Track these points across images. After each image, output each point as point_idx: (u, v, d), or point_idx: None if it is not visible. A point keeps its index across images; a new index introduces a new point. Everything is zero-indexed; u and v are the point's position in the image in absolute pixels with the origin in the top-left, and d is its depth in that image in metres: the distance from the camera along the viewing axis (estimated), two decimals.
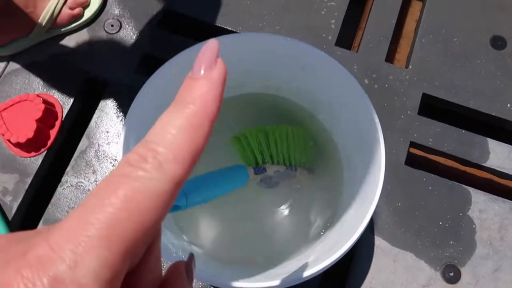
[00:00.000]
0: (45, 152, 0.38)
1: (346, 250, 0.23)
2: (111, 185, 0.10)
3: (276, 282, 0.23)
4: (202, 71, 0.13)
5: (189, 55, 0.27)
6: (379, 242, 0.36)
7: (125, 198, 0.10)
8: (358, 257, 0.35)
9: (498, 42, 0.41)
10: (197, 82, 0.13)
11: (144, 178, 0.11)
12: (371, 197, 0.23)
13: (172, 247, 0.25)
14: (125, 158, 0.11)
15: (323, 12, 0.42)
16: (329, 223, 0.30)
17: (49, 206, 0.37)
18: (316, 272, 0.23)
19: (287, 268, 0.27)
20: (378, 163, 0.23)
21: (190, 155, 0.11)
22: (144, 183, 0.11)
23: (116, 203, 0.10)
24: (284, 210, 0.33)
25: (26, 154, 0.37)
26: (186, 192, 0.25)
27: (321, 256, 0.25)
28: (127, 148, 0.25)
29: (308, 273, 0.23)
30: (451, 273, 0.35)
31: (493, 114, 0.39)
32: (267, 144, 0.31)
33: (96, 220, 0.10)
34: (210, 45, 0.13)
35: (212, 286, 0.34)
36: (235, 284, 0.23)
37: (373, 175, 0.24)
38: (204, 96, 0.12)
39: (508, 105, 0.39)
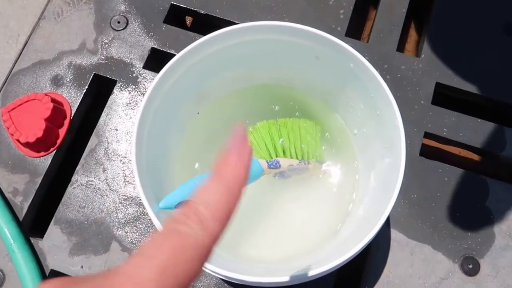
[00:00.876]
0: (54, 152, 0.37)
1: (364, 246, 0.22)
2: (162, 237, 0.13)
3: (292, 277, 0.22)
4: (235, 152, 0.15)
5: (197, 49, 0.27)
6: (395, 235, 0.35)
7: (173, 248, 0.12)
8: (374, 251, 0.35)
9: (511, 29, 0.40)
10: (231, 160, 0.15)
11: (188, 232, 0.13)
12: (390, 190, 0.23)
13: None
14: (171, 215, 0.13)
15: (331, 2, 0.41)
16: (345, 217, 0.29)
17: (60, 205, 0.36)
18: (333, 268, 0.22)
19: (303, 263, 0.27)
20: (397, 154, 0.23)
21: (227, 214, 0.14)
22: (188, 236, 0.13)
23: (166, 252, 0.12)
24: (298, 204, 0.32)
25: (35, 154, 0.37)
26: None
27: (338, 250, 0.24)
28: (139, 146, 0.25)
29: (324, 268, 0.22)
30: (470, 265, 0.34)
31: (509, 102, 0.38)
32: (280, 136, 0.31)
33: (152, 267, 0.12)
34: (239, 132, 0.16)
35: (224, 281, 0.34)
36: (248, 278, 0.22)
37: (392, 167, 0.23)
38: (238, 172, 0.15)
39: None
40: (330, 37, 0.25)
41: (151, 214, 0.23)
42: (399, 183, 0.22)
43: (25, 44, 0.41)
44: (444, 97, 0.40)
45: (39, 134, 0.35)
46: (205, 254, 0.13)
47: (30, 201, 0.36)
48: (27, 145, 0.36)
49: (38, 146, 0.37)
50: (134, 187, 0.36)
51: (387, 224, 0.35)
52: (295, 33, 0.25)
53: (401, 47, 0.46)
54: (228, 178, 0.15)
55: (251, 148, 0.16)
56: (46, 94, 0.37)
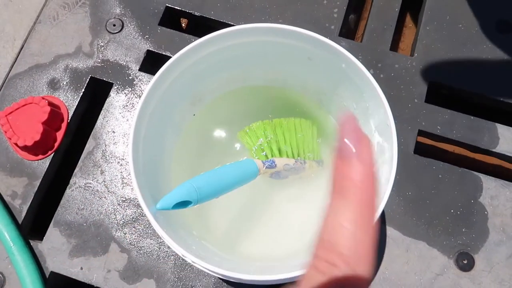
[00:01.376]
0: (52, 155, 0.37)
1: None
2: None
3: (289, 275, 0.23)
4: (353, 149, 0.12)
5: (192, 52, 0.27)
6: (391, 232, 0.35)
7: None
8: None
9: (503, 26, 0.41)
10: (351, 166, 0.12)
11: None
12: (383, 188, 0.23)
13: (188, 242, 0.25)
14: (312, 263, 0.11)
15: (325, 2, 0.42)
16: None
17: (59, 208, 0.36)
18: None
19: (300, 261, 0.27)
20: (390, 153, 0.23)
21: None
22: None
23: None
24: (295, 204, 0.33)
25: (33, 157, 0.37)
26: (196, 187, 0.25)
27: None
28: (136, 148, 0.25)
29: None
30: (465, 261, 0.34)
31: (501, 99, 0.39)
32: (275, 137, 0.31)
33: None
34: (348, 117, 0.13)
35: (223, 280, 0.34)
36: (245, 277, 0.23)
37: (385, 166, 0.23)
38: (365, 182, 0.12)
39: None
40: (321, 38, 0.25)
41: (149, 216, 0.23)
42: (391, 181, 0.22)
43: (21, 48, 0.41)
44: (437, 95, 0.40)
45: (37, 137, 0.36)
46: None
47: (29, 204, 0.37)
48: (25, 148, 0.37)
49: (36, 149, 0.37)
50: (132, 188, 0.37)
51: (382, 222, 0.36)
52: (287, 35, 0.26)
53: (394, 46, 0.46)
54: (359, 199, 0.11)
55: (371, 143, 0.13)
56: (43, 98, 0.37)
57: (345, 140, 0.13)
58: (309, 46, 0.26)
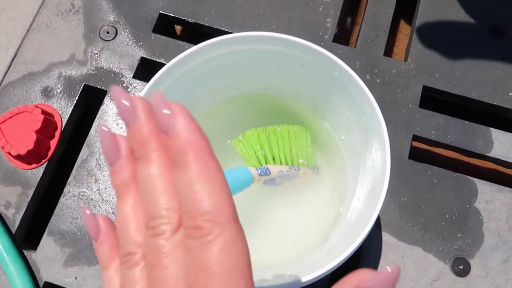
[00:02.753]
0: (46, 163, 0.37)
1: (351, 253, 0.23)
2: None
3: (282, 284, 0.23)
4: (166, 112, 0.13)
5: (185, 60, 0.27)
6: (386, 238, 0.35)
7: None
8: (365, 254, 0.35)
9: (496, 31, 0.41)
10: (171, 120, 0.13)
11: (217, 241, 0.12)
12: (377, 195, 0.23)
13: None
14: (187, 233, 0.12)
15: (319, 9, 0.42)
16: (335, 222, 0.29)
17: (53, 217, 0.36)
18: (322, 275, 0.23)
19: (294, 269, 0.27)
20: (383, 159, 0.23)
21: (225, 194, 0.12)
22: (220, 239, 0.12)
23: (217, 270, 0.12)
24: (289, 210, 0.32)
25: (27, 166, 0.37)
26: None
27: (328, 257, 0.24)
28: None
29: (313, 275, 0.22)
30: (461, 266, 0.34)
31: (495, 103, 0.39)
32: (269, 144, 0.31)
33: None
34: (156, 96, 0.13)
35: None
36: None
37: (378, 173, 0.23)
38: (188, 139, 0.12)
39: (510, 93, 0.39)
40: (313, 46, 0.25)
41: None
42: (385, 189, 0.22)
43: (14, 56, 0.41)
44: (431, 100, 0.40)
45: (30, 146, 0.35)
46: (241, 243, 0.13)
47: (22, 213, 0.36)
48: (18, 157, 0.37)
49: (30, 158, 0.37)
50: None
51: (378, 227, 0.36)
52: (279, 43, 0.26)
53: (389, 51, 0.47)
54: (192, 159, 0.12)
55: (181, 105, 0.13)
56: (36, 106, 0.37)
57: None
58: (301, 53, 0.26)
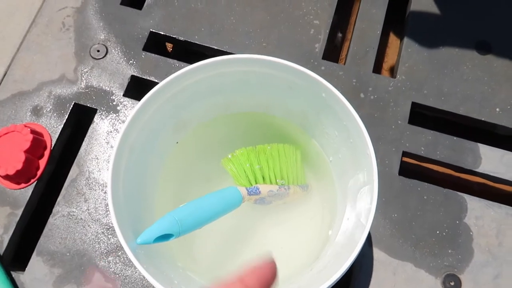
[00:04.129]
0: (35, 183, 0.37)
1: (338, 278, 0.23)
2: None
3: None
4: None
5: (174, 82, 0.27)
6: (378, 255, 0.35)
7: None
8: (357, 271, 0.35)
9: (483, 47, 0.42)
10: None
11: None
12: (366, 214, 0.23)
13: (171, 276, 0.25)
14: None
15: (309, 26, 0.42)
16: (325, 243, 0.29)
17: (41, 237, 0.36)
18: None
19: None
20: (370, 178, 0.23)
21: None
22: None
23: None
24: (279, 230, 0.32)
25: (15, 186, 0.37)
26: (178, 219, 0.25)
27: (317, 279, 0.24)
28: (116, 181, 0.25)
29: None
30: (452, 283, 0.34)
31: (483, 119, 0.39)
32: (259, 163, 0.31)
33: None
34: None
35: None
36: None
37: (366, 195, 0.23)
38: None
39: (497, 109, 0.39)
40: (300, 68, 0.25)
41: (128, 252, 0.23)
42: (372, 213, 0.22)
43: (4, 75, 0.41)
44: (420, 116, 0.41)
45: (19, 166, 0.35)
46: None
47: (11, 233, 0.36)
48: (7, 177, 0.36)
49: (18, 178, 0.36)
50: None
51: (369, 244, 0.36)
52: (268, 65, 0.26)
53: (378, 67, 0.47)
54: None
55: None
56: (25, 125, 0.37)
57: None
58: (289, 75, 0.26)
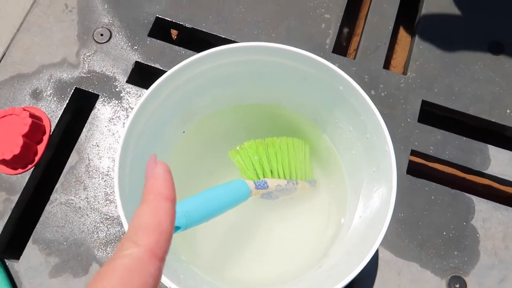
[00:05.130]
0: (32, 169, 0.36)
1: (352, 278, 0.22)
2: (109, 270, 0.14)
3: None
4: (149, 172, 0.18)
5: (184, 70, 0.26)
6: (383, 254, 0.35)
7: (121, 278, 0.14)
8: (362, 271, 0.34)
9: (495, 47, 0.41)
10: (148, 181, 0.17)
11: (127, 255, 0.14)
12: (381, 220, 0.22)
13: (176, 270, 0.24)
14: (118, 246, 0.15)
15: (319, 19, 0.41)
16: (334, 240, 0.28)
17: (38, 225, 0.35)
18: None
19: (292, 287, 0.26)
20: (388, 180, 0.22)
21: (155, 226, 0.15)
22: (129, 260, 0.14)
23: (116, 282, 0.14)
24: (286, 225, 0.32)
25: (12, 171, 0.35)
26: (185, 211, 0.24)
27: (327, 278, 0.24)
28: (123, 169, 0.24)
29: None
30: (457, 285, 0.34)
31: (493, 120, 0.39)
32: (267, 156, 0.30)
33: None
34: (151, 158, 0.18)
35: None
36: None
37: (382, 194, 0.22)
38: (155, 188, 0.17)
39: (508, 110, 0.39)
40: (319, 59, 0.24)
41: None
42: (390, 213, 0.21)
43: (2, 56, 0.40)
44: (430, 114, 0.40)
45: (16, 151, 0.34)
46: (151, 269, 0.14)
47: (6, 220, 0.35)
48: (3, 162, 0.35)
49: (15, 163, 0.35)
50: (116, 206, 0.35)
51: None
52: (283, 54, 0.25)
53: (386, 64, 0.46)
54: (149, 196, 0.16)
55: (164, 163, 0.17)
56: (24, 109, 0.36)
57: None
58: (305, 66, 0.25)
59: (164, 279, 0.21)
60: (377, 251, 0.35)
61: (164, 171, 0.17)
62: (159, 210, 0.16)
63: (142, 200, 0.16)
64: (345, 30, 0.48)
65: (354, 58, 0.40)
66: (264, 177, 0.30)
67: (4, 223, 0.35)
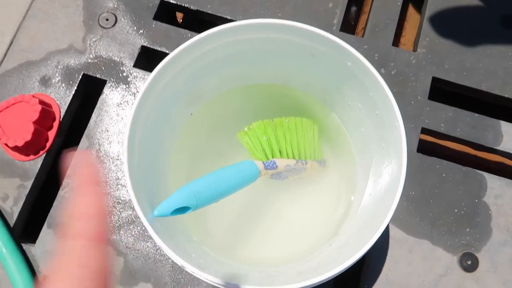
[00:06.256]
0: (44, 155, 0.36)
1: (364, 252, 0.22)
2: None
3: (291, 285, 0.22)
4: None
5: (190, 49, 0.26)
6: (394, 233, 0.35)
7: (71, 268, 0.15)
8: (372, 249, 0.34)
9: (507, 21, 0.40)
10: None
11: (69, 247, 0.16)
12: (391, 195, 0.22)
13: (188, 250, 0.24)
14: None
15: None
16: (344, 218, 0.28)
17: (52, 210, 0.35)
18: (333, 275, 0.22)
19: (302, 267, 0.26)
20: (398, 157, 0.22)
21: (87, 212, 0.16)
22: (71, 250, 0.16)
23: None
24: (296, 205, 0.32)
25: (25, 158, 0.36)
26: (196, 191, 0.24)
27: (338, 255, 0.24)
28: (131, 152, 0.24)
29: (324, 276, 0.22)
30: (469, 261, 0.34)
31: (506, 95, 0.38)
32: (276, 137, 0.30)
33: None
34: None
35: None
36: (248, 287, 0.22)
37: (392, 170, 0.22)
38: (80, 175, 0.18)
39: None
40: (327, 35, 0.24)
41: (147, 225, 0.22)
42: (400, 188, 0.21)
43: (10, 44, 0.40)
44: (441, 91, 0.39)
45: (28, 137, 0.34)
46: (94, 252, 0.15)
47: (20, 206, 0.35)
48: (15, 149, 0.35)
49: (27, 149, 0.36)
50: (127, 190, 0.35)
51: None
52: (290, 31, 0.25)
53: (396, 41, 0.45)
54: (77, 185, 0.17)
55: (89, 152, 0.18)
56: (33, 96, 0.36)
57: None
58: (312, 43, 0.25)
59: (175, 258, 0.21)
60: (388, 230, 0.35)
61: (86, 155, 0.19)
62: (86, 195, 0.17)
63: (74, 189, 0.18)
64: (353, 8, 0.47)
65: (363, 37, 0.40)
66: (273, 157, 0.30)
67: (19, 208, 0.35)
